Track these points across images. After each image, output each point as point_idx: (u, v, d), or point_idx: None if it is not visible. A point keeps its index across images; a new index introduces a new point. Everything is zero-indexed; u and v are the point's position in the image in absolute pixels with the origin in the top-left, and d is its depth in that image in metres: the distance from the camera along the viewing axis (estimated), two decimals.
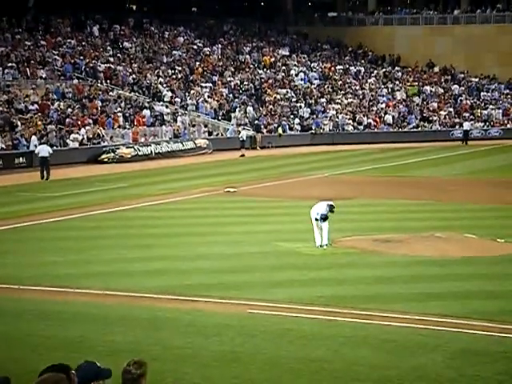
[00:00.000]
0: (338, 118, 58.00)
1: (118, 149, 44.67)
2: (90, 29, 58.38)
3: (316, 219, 20.93)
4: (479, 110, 62.47)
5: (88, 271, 18.11)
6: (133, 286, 16.73)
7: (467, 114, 61.76)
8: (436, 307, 15.33)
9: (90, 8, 59.43)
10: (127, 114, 49.12)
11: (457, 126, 59.95)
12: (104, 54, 56.02)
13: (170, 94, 54.11)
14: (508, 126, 61.61)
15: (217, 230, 23.51)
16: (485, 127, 60.71)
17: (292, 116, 57.09)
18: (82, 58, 53.44)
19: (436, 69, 68.83)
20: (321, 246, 20.87)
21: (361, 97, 62.30)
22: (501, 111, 62.81)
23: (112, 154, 44.00)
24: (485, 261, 19.75)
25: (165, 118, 50.92)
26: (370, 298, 15.97)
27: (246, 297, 16.04)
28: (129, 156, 44.54)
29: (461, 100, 63.94)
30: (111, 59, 55.65)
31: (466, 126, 58.30)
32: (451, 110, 62.31)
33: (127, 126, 47.81)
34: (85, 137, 44.68)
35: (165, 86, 55.09)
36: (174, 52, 60.60)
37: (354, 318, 14.70)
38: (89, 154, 43.62)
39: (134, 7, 66.17)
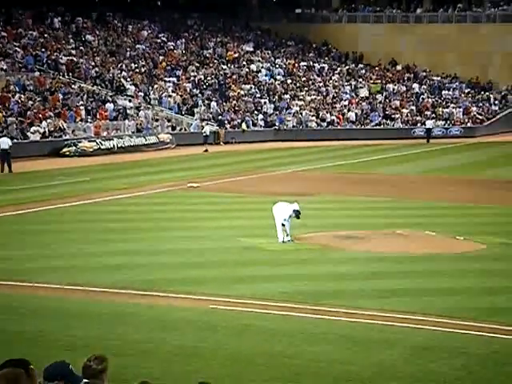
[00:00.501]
0: (301, 114, 58.18)
1: (80, 142, 44.29)
2: (51, 21, 57.74)
3: (282, 224, 20.85)
4: (440, 109, 63.10)
5: (48, 265, 17.94)
6: (94, 281, 16.61)
7: (429, 113, 62.36)
8: (396, 304, 15.47)
9: (52, 0, 58.78)
10: (89, 108, 48.71)
11: (418, 124, 60.51)
12: (66, 47, 55.46)
13: (133, 88, 53.78)
14: (468, 124, 62.33)
15: (179, 225, 23.44)
16: (446, 126, 61.36)
17: (256, 112, 57.13)
18: (43, 50, 52.84)
19: (399, 67, 69.36)
20: (283, 241, 20.94)
21: (324, 94, 62.56)
22: (461, 110, 63.53)
23: (74, 148, 43.61)
24: (444, 258, 19.97)
25: (128, 112, 50.60)
26: (331, 294, 16.06)
27: (208, 292, 16.03)
28: (91, 150, 44.19)
29: (423, 98, 64.53)
30: (73, 52, 55.14)
31: (429, 124, 58.87)
32: (413, 108, 62.86)
33: (89, 120, 47.41)
34: (46, 130, 44.21)
35: (128, 79, 54.74)
36: (137, 46, 60.22)
37: (315, 313, 14.77)
38: (50, 148, 43.17)
39: (97, 0, 65.61)
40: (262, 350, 12.63)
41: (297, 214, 20.96)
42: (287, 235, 21.08)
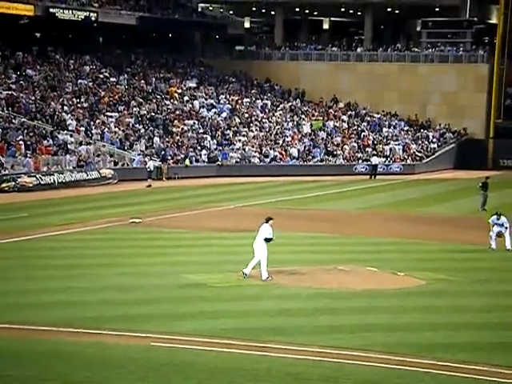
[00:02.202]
0: (244, 150, 58.46)
1: (20, 177, 43.65)
2: None
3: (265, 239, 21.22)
4: (381, 146, 64.12)
5: None
6: (32, 319, 16.28)
7: (370, 149, 63.27)
8: (337, 340, 15.52)
9: None
10: (29, 143, 48.11)
11: (360, 161, 61.31)
12: (6, 81, 54.86)
13: (74, 122, 53.36)
14: (408, 161, 63.42)
15: (121, 262, 23.20)
16: (387, 162, 62.32)
17: (199, 147, 57.19)
18: None
19: (340, 104, 70.39)
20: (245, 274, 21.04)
21: (267, 130, 63.06)
22: (401, 147, 64.65)
23: (13, 183, 42.96)
24: (385, 294, 20.15)
25: (69, 146, 50.13)
26: (273, 331, 16.04)
27: (149, 329, 15.86)
28: (30, 185, 43.55)
29: (364, 135, 65.52)
30: (13, 86, 54.57)
31: (374, 160, 59.74)
32: (355, 144, 63.73)
33: (29, 155, 46.78)
34: None
35: (69, 114, 54.31)
36: (79, 81, 59.89)
37: (257, 350, 14.72)
38: None
39: (38, 35, 65.05)
40: None
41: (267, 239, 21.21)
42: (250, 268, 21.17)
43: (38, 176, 44.70)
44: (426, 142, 66.60)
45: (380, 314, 17.81)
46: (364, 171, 59.26)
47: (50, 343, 14.78)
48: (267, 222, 21.70)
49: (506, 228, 26.95)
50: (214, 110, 63.47)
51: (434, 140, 67.23)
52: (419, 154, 64.58)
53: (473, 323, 17.32)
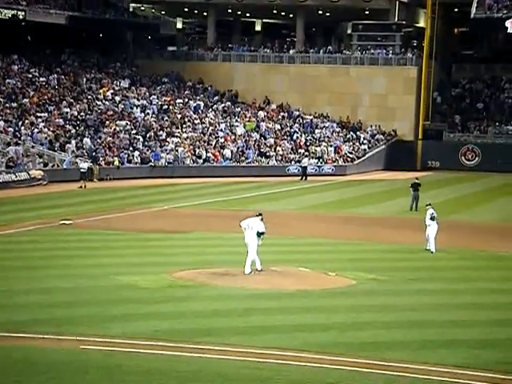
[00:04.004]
0: (177, 151, 58.19)
1: None
2: None
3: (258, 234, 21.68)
4: (313, 147, 64.64)
5: None
6: None
7: (302, 151, 63.72)
8: (270, 340, 15.57)
9: None
10: None
11: (293, 162, 61.69)
12: None
13: (2, 123, 52.25)
14: (340, 162, 64.09)
15: (50, 264, 22.81)
16: (319, 164, 62.86)
17: (131, 148, 56.68)
18: None
19: (273, 106, 70.71)
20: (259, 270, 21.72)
21: (200, 131, 62.90)
22: (333, 149, 65.30)
23: None
24: (317, 294, 20.31)
25: None
26: (206, 332, 16.00)
27: (79, 332, 15.63)
28: None
29: (297, 137, 65.94)
30: None
31: (304, 162, 60.22)
32: (288, 145, 64.09)
33: None
34: None
35: None
36: (7, 80, 58.68)
37: (189, 351, 14.66)
38: None
39: None
40: None
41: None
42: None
43: None
44: (357, 144, 67.42)
45: (312, 314, 17.94)
46: (297, 172, 59.66)
47: None
48: (258, 216, 22.34)
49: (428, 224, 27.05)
50: (146, 111, 63.01)
51: (365, 141, 68.10)
52: (350, 156, 65.32)
53: (401, 322, 17.59)
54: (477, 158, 68.28)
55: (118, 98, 63.37)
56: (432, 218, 27.00)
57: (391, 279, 22.34)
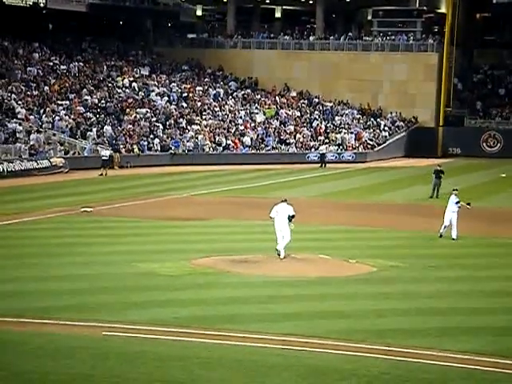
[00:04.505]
0: (197, 138, 58.24)
1: None
2: None
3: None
4: (333, 134, 64.46)
5: None
6: None
7: (322, 138, 63.57)
8: (290, 327, 15.60)
9: None
10: None
11: (313, 149, 61.59)
12: None
13: (24, 111, 52.53)
14: (360, 149, 63.90)
15: (72, 251, 22.96)
16: (339, 151, 62.69)
17: (152, 136, 56.81)
18: None
19: (293, 93, 70.54)
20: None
21: (220, 118, 62.90)
22: (353, 136, 65.09)
23: None
24: (337, 281, 20.31)
25: (18, 135, 49.35)
26: (226, 319, 16.05)
27: (101, 318, 15.74)
28: None
29: (317, 124, 65.77)
30: None
31: (322, 149, 60.12)
32: (307, 133, 63.97)
33: None
34: None
35: (19, 102, 53.46)
36: (29, 68, 58.95)
37: (210, 338, 14.71)
38: None
39: None
40: (155, 376, 12.47)
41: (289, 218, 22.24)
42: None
43: None
44: (378, 131, 67.15)
45: (332, 301, 17.95)
46: (316, 160, 59.54)
47: None
48: (283, 202, 22.62)
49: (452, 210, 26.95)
50: (166, 98, 63.08)
51: (386, 128, 67.82)
52: (371, 143, 65.09)
53: (422, 309, 17.56)
54: (498, 145, 67.82)
55: (138, 86, 63.48)
56: (457, 203, 26.93)
57: (411, 266, 22.29)
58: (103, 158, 48.15)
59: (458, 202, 26.99)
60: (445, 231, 27.16)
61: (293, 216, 22.45)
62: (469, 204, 27.96)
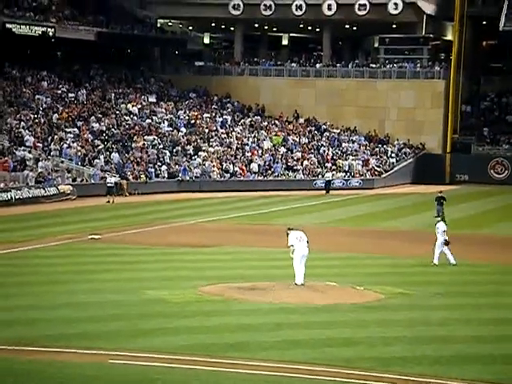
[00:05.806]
0: (204, 165, 58.41)
1: None
2: None
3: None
4: (341, 161, 64.55)
5: None
6: None
7: (329, 165, 63.66)
8: (299, 355, 15.54)
9: None
10: None
11: (319, 176, 61.66)
12: None
13: (32, 139, 52.84)
14: (367, 176, 63.93)
15: (79, 278, 22.97)
16: (346, 177, 62.73)
17: (159, 163, 57.01)
18: None
19: (301, 120, 70.78)
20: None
21: (227, 145, 63.11)
22: (360, 162, 65.17)
23: None
24: (345, 308, 20.24)
25: (27, 163, 49.57)
26: (234, 346, 16.01)
27: (107, 346, 15.71)
28: None
29: (324, 150, 65.90)
30: None
31: (328, 176, 60.21)
32: (315, 159, 64.08)
33: None
34: None
35: (27, 130, 53.78)
36: (37, 96, 59.37)
37: (218, 366, 14.66)
38: None
39: None
40: None
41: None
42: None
43: None
44: (385, 157, 67.23)
45: (340, 329, 17.89)
46: (323, 186, 59.58)
47: (6, 362, 14.55)
48: (292, 230, 23.20)
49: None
50: (173, 125, 63.36)
51: (393, 155, 67.88)
52: (378, 169, 65.13)
53: (431, 337, 17.48)
54: (506, 172, 67.72)
55: (145, 113, 63.82)
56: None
57: (419, 293, 22.21)
58: (108, 184, 48.30)
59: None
60: (447, 259, 27.12)
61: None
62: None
